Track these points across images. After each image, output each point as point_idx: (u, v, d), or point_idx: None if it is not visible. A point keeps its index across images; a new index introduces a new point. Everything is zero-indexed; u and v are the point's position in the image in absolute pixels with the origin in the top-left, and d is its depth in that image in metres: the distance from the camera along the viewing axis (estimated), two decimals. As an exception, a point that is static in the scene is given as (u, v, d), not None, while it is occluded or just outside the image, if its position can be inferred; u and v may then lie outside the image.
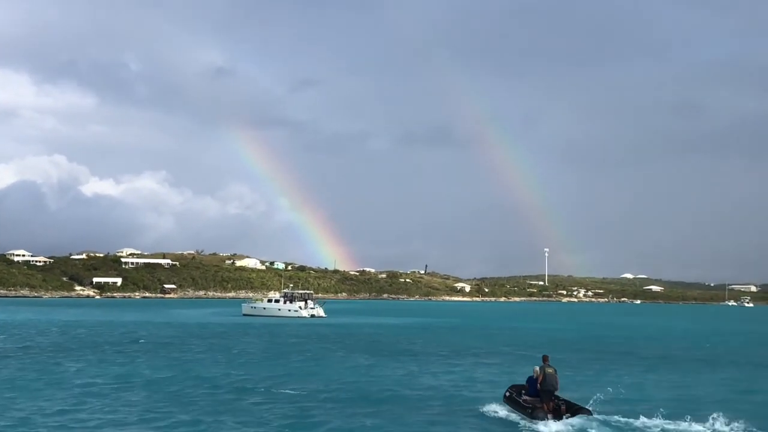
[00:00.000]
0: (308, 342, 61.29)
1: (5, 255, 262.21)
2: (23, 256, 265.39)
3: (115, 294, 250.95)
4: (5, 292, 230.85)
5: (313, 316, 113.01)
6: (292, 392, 30.80)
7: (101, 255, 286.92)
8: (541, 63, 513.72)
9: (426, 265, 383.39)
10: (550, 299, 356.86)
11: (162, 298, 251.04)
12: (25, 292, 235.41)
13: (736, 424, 23.36)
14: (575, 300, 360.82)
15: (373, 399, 28.91)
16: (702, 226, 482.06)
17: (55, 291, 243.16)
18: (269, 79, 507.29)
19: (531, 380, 25.44)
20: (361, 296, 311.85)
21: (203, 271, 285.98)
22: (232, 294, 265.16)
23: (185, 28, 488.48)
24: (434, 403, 28.05)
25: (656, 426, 23.42)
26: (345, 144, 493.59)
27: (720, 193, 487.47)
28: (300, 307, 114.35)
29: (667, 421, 23.73)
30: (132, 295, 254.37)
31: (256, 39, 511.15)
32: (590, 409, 24.03)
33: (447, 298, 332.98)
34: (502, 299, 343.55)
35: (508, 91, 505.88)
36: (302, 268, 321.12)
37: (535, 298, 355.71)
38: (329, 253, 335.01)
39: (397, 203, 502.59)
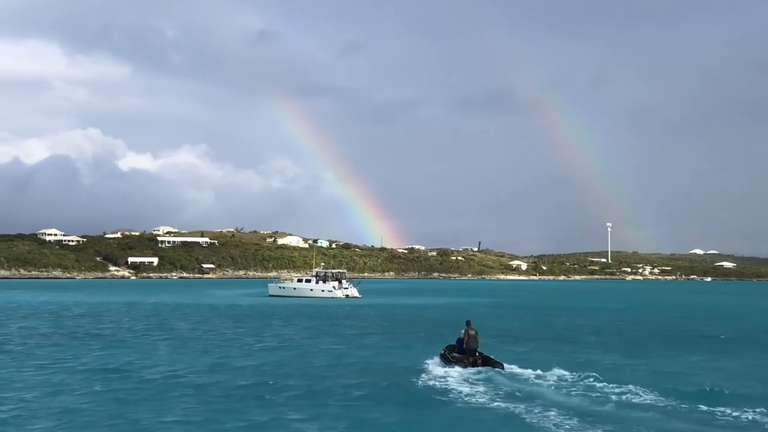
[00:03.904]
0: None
1: (36, 234, 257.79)
2: (55, 235, 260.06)
3: (151, 274, 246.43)
4: (37, 273, 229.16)
5: (347, 296, 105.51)
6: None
7: (137, 234, 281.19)
8: (607, 21, 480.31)
9: (479, 242, 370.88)
10: (613, 277, 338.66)
11: (200, 278, 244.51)
12: (57, 273, 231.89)
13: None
14: (640, 278, 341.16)
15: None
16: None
17: (89, 272, 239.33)
18: (314, 43, 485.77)
19: (459, 341, 31.12)
20: (410, 275, 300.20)
21: (243, 250, 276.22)
22: (273, 274, 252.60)
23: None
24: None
25: (552, 375, 28.49)
26: (394, 112, 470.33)
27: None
28: (334, 287, 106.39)
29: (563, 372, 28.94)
30: (169, 275, 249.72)
31: (299, 0, 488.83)
32: (502, 363, 29.80)
33: (502, 276, 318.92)
34: (561, 278, 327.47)
35: (571, 52, 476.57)
36: (347, 246, 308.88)
37: (596, 277, 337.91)
38: (376, 230, 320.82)
39: (450, 175, 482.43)
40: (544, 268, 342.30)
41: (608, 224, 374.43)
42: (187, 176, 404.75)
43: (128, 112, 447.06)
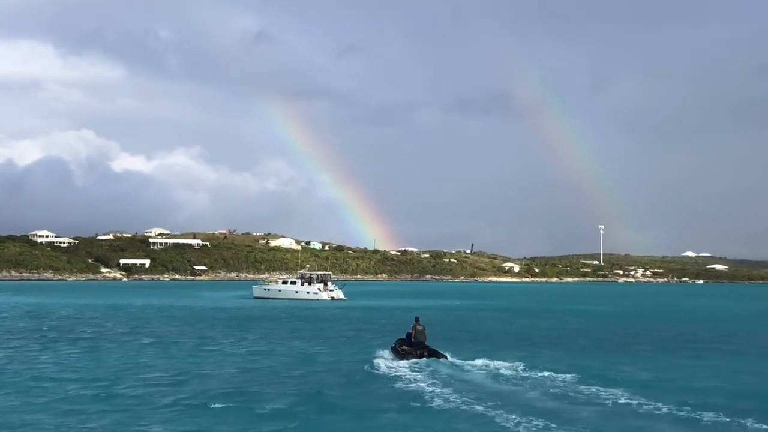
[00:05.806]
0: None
1: (28, 236, 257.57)
2: (47, 237, 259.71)
3: (143, 276, 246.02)
4: (28, 274, 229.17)
5: (332, 298, 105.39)
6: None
7: (129, 235, 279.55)
8: (605, 24, 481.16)
9: (472, 245, 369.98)
10: (605, 279, 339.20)
11: (192, 280, 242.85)
12: (49, 274, 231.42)
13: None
14: (632, 280, 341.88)
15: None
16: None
17: (80, 273, 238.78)
18: (311, 46, 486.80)
19: (408, 335, 34.77)
20: (403, 277, 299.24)
21: (235, 252, 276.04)
22: (265, 276, 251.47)
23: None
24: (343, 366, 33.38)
25: (485, 365, 31.69)
26: (391, 115, 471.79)
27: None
28: (319, 289, 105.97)
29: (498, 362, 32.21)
30: (161, 277, 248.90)
31: (296, 2, 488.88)
32: (446, 355, 33.45)
33: (494, 279, 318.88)
34: (554, 280, 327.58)
35: (569, 55, 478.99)
36: (340, 248, 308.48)
37: (589, 279, 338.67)
38: (369, 232, 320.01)
39: (445, 178, 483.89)
40: (537, 270, 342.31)
41: (600, 227, 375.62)
42: (182, 178, 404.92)
43: (122, 113, 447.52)
